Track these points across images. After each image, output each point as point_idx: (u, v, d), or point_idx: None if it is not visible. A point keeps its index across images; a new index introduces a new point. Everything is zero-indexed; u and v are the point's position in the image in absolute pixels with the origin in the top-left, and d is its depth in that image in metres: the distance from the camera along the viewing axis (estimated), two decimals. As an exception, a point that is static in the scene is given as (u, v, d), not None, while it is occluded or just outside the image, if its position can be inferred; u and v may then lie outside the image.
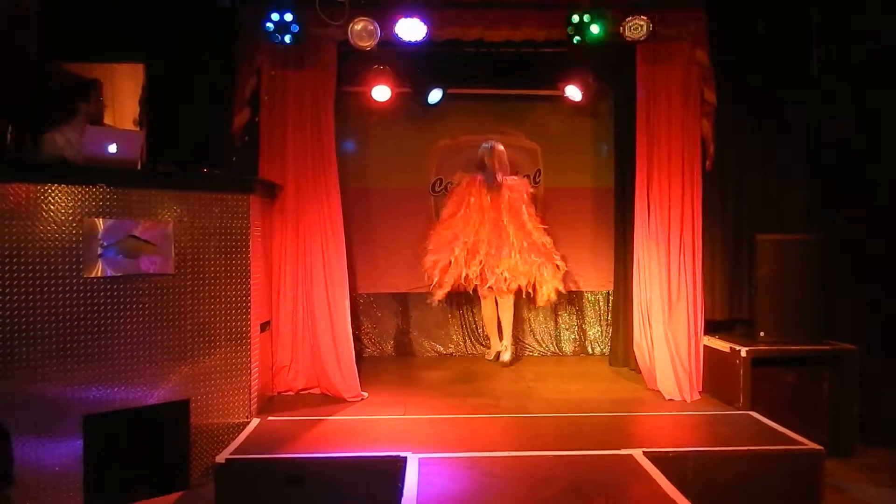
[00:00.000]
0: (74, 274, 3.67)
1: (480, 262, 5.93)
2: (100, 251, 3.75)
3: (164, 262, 4.01)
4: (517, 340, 6.63)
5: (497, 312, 6.31)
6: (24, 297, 3.50)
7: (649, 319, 5.20)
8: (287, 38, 4.88)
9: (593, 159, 6.68)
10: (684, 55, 5.21)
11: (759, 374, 4.77)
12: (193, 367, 4.13)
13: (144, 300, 3.94)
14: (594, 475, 3.49)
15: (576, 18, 4.96)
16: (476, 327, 6.75)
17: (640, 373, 5.44)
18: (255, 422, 4.37)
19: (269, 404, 4.85)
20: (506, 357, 6.22)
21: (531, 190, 6.30)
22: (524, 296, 6.16)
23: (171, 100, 5.03)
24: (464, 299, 6.63)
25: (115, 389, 3.81)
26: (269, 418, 4.49)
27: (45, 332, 3.56)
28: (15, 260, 3.47)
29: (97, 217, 3.75)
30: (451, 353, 6.71)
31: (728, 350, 4.92)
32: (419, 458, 3.67)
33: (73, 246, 3.67)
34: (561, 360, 6.57)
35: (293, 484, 3.65)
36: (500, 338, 6.37)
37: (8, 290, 3.45)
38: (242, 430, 4.23)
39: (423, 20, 4.92)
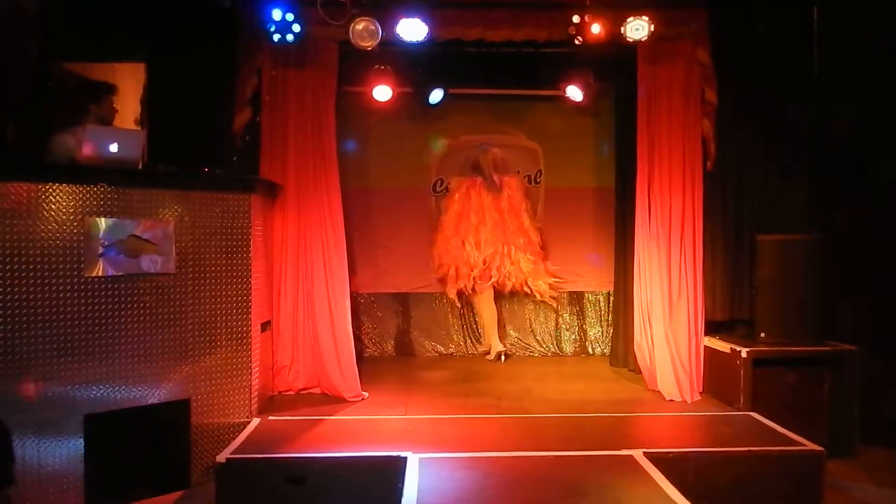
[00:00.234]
0: (75, 273, 3.67)
1: (486, 262, 6.09)
2: (101, 250, 3.75)
3: (165, 261, 4.01)
4: (510, 337, 6.76)
5: (483, 307, 6.39)
6: (25, 296, 3.50)
7: (650, 320, 5.20)
8: (288, 38, 4.87)
9: (594, 159, 6.68)
10: (685, 55, 5.21)
11: (759, 374, 4.77)
12: (194, 367, 4.13)
13: (145, 299, 3.94)
14: (595, 476, 3.49)
15: (577, 18, 4.96)
16: (477, 327, 6.75)
17: (641, 373, 5.44)
18: (255, 421, 4.37)
19: (269, 404, 4.85)
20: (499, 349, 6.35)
21: (527, 185, 6.44)
22: (523, 293, 6.27)
23: (172, 99, 5.02)
24: (464, 300, 6.64)
25: (116, 389, 3.82)
26: (270, 418, 4.50)
27: (46, 332, 3.56)
28: (16, 259, 3.48)
29: (98, 216, 3.75)
30: (452, 353, 6.71)
31: (729, 350, 4.91)
32: (420, 458, 3.67)
33: (75, 245, 3.67)
34: (561, 361, 6.58)
35: (293, 483, 3.65)
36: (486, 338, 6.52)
37: (9, 289, 3.46)
38: (243, 429, 4.23)
39: (424, 20, 4.92)
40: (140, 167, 4.12)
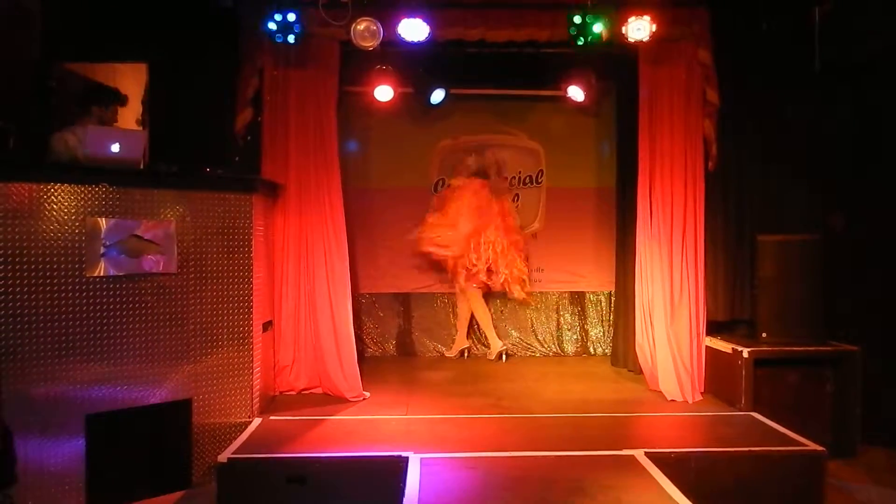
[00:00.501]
0: (77, 273, 3.67)
1: (488, 261, 6.12)
2: (102, 250, 3.75)
3: (167, 261, 4.01)
4: (511, 337, 6.76)
5: (476, 308, 6.41)
6: (26, 296, 3.50)
7: (651, 320, 5.20)
8: (290, 38, 4.87)
9: (595, 159, 6.69)
10: (687, 55, 5.22)
11: (761, 374, 4.78)
12: (196, 367, 4.13)
13: (147, 299, 3.94)
14: (596, 475, 3.49)
15: (578, 19, 4.95)
16: (477, 328, 6.75)
17: (642, 373, 5.44)
18: (256, 421, 4.37)
19: (271, 404, 4.85)
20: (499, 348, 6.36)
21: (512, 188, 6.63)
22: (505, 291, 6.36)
23: (173, 99, 5.03)
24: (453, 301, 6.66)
25: (118, 388, 3.82)
26: (271, 418, 4.50)
27: (47, 332, 3.56)
28: (17, 259, 3.48)
29: (100, 216, 3.75)
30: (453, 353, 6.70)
31: (730, 351, 4.91)
32: (421, 458, 3.67)
33: (76, 245, 3.67)
34: (563, 361, 6.58)
35: (295, 483, 3.65)
36: (467, 336, 6.56)
37: (11, 289, 3.45)
38: (244, 429, 4.23)
39: (425, 20, 4.92)
40: (141, 167, 4.12)
